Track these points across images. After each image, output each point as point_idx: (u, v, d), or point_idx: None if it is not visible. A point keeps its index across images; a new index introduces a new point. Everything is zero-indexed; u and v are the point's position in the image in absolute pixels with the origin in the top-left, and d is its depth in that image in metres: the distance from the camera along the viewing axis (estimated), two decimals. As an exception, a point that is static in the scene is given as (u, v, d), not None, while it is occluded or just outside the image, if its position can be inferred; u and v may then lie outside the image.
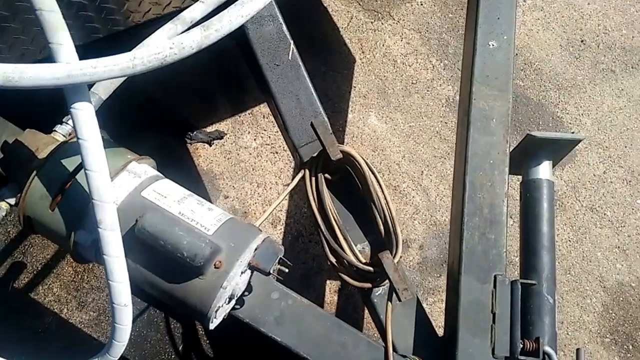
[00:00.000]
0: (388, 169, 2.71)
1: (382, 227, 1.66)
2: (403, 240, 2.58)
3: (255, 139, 2.79)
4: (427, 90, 2.85)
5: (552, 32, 3.04)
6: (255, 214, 2.68)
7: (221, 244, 1.29)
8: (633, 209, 2.72)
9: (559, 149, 1.63)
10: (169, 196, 1.37)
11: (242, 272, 1.34)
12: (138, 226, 1.25)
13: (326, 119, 1.81)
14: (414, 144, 2.76)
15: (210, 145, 2.75)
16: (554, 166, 1.70)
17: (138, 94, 2.71)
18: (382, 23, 2.97)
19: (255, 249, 1.35)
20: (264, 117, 2.79)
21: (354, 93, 2.82)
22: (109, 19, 1.59)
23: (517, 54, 2.96)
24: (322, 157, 1.70)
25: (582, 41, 3.03)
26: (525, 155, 1.65)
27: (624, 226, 2.69)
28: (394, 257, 1.59)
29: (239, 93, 2.82)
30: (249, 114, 2.81)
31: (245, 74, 2.75)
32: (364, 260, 1.62)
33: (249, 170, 2.74)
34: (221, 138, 2.77)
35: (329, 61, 2.88)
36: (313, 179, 1.72)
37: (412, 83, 2.87)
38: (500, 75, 1.67)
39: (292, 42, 1.86)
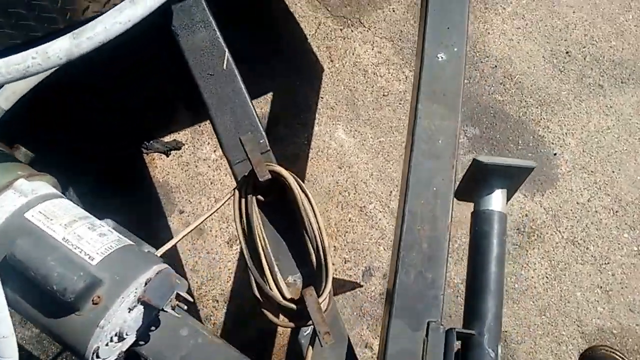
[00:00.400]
0: (354, 187, 2.56)
1: (314, 258, 1.51)
2: (365, 268, 2.43)
3: (215, 151, 2.65)
4: (399, 103, 2.69)
5: (535, 43, 2.87)
6: (211, 231, 2.54)
7: (103, 276, 1.15)
8: (619, 244, 2.52)
9: (511, 177, 1.46)
10: (56, 219, 1.24)
11: (130, 309, 1.19)
12: (8, 253, 1.13)
13: (263, 133, 1.68)
14: (384, 161, 2.60)
15: (168, 156, 2.61)
16: (509, 196, 1.53)
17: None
18: (351, 30, 2.82)
19: (147, 283, 1.20)
20: (223, 127, 2.65)
21: (321, 104, 2.67)
22: (45, 17, 1.46)
23: (496, 66, 2.80)
24: (252, 177, 1.56)
25: (567, 52, 2.85)
26: (476, 182, 1.49)
27: (607, 263, 2.50)
28: (321, 294, 1.43)
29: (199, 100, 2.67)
30: (209, 123, 2.67)
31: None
32: (289, 296, 1.47)
33: (207, 184, 2.60)
34: (179, 149, 2.64)
35: (295, 70, 2.73)
36: (243, 200, 1.58)
37: (383, 95, 2.72)
38: (449, 91, 1.51)
39: (226, 50, 1.73)
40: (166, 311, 1.22)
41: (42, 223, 1.22)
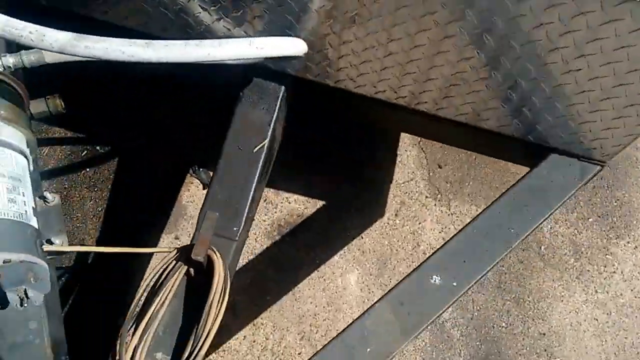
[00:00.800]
0: (326, 328, 2.46)
1: (188, 349, 1.47)
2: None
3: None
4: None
5: (601, 344, 2.59)
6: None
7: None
8: None
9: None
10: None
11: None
12: None
13: (242, 223, 1.69)
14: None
15: (204, 189, 2.72)
16: None
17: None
18: (434, 204, 2.78)
19: (5, 261, 1.25)
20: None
21: (356, 242, 2.63)
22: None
23: (544, 334, 2.57)
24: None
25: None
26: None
27: None
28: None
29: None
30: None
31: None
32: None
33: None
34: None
35: (356, 196, 2.74)
36: (174, 262, 1.60)
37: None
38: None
39: (267, 140, 1.79)
40: (6, 298, 1.24)
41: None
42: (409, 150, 2.91)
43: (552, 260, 2.71)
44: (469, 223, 1.65)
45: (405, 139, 2.91)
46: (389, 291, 1.50)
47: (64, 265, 2.46)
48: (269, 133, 1.79)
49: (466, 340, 2.49)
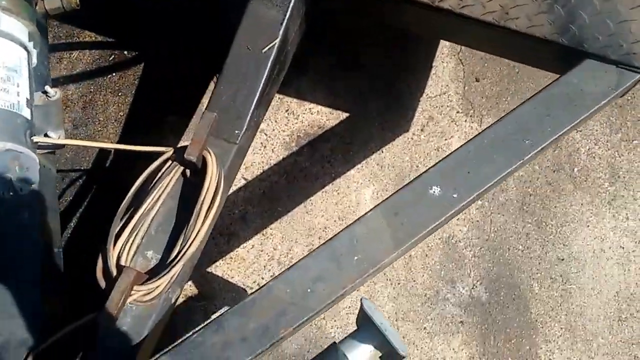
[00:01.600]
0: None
1: (177, 248, 1.49)
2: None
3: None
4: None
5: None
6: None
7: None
8: None
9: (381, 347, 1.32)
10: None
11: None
12: None
13: (244, 126, 1.67)
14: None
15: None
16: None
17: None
18: (468, 122, 2.67)
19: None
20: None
21: (376, 157, 2.57)
22: None
23: (563, 259, 2.50)
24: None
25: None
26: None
27: None
28: (146, 283, 1.42)
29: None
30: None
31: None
32: (122, 262, 1.46)
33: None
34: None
35: (382, 108, 2.66)
36: (170, 162, 1.60)
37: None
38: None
39: (278, 40, 1.73)
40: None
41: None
42: (446, 62, 2.78)
43: (584, 183, 2.59)
44: (480, 133, 1.56)
45: (443, 49, 2.77)
46: (383, 201, 1.46)
47: (82, 168, 2.52)
48: (281, 32, 1.73)
49: (478, 261, 2.45)
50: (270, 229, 2.44)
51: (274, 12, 1.75)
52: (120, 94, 2.74)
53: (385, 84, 2.71)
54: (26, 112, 1.43)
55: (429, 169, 1.52)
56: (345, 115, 2.66)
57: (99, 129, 2.66)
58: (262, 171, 2.53)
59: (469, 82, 2.75)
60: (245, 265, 2.38)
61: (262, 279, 2.36)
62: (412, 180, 1.50)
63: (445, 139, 2.63)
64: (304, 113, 2.65)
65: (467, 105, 2.71)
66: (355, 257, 1.39)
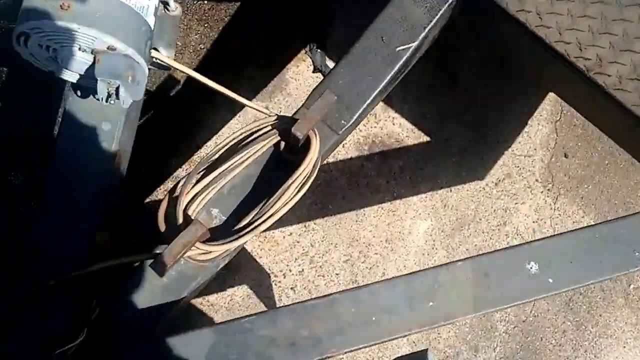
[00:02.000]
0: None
1: (249, 217, 1.39)
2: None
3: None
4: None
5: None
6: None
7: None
8: None
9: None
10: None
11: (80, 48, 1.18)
12: None
13: (354, 117, 1.57)
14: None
15: (314, 71, 2.56)
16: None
17: None
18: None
19: (109, 48, 1.17)
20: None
21: (442, 193, 2.47)
22: None
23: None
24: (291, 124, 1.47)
25: None
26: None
27: None
28: (209, 243, 1.32)
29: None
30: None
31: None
32: (189, 213, 1.36)
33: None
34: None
35: (464, 150, 2.55)
36: (267, 128, 1.50)
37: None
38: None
39: (415, 44, 1.62)
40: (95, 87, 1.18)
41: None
42: (542, 125, 2.66)
43: (635, 302, 2.49)
44: (592, 226, 1.47)
45: (543, 111, 2.66)
46: (477, 255, 1.36)
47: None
48: (421, 36, 1.63)
49: (508, 338, 2.35)
50: (315, 223, 2.33)
51: (421, 13, 1.65)
52: (206, 24, 2.62)
53: (474, 118, 2.60)
54: (151, 20, 1.33)
55: (531, 242, 1.42)
56: (426, 138, 2.55)
57: (175, 53, 2.55)
58: (326, 162, 2.43)
59: (557, 155, 2.65)
60: (277, 250, 2.28)
61: (290, 270, 2.26)
62: (513, 246, 1.41)
63: (516, 203, 2.52)
64: (386, 120, 2.55)
65: (547, 176, 2.60)
66: (431, 303, 1.29)
